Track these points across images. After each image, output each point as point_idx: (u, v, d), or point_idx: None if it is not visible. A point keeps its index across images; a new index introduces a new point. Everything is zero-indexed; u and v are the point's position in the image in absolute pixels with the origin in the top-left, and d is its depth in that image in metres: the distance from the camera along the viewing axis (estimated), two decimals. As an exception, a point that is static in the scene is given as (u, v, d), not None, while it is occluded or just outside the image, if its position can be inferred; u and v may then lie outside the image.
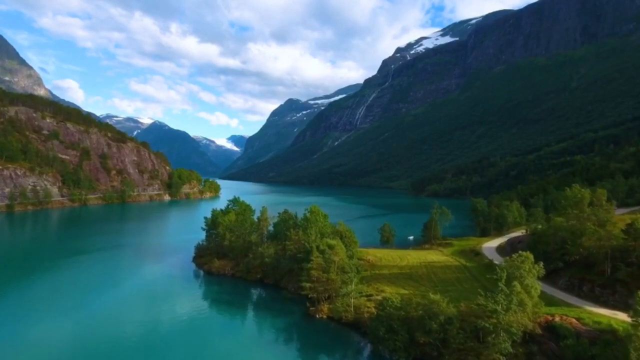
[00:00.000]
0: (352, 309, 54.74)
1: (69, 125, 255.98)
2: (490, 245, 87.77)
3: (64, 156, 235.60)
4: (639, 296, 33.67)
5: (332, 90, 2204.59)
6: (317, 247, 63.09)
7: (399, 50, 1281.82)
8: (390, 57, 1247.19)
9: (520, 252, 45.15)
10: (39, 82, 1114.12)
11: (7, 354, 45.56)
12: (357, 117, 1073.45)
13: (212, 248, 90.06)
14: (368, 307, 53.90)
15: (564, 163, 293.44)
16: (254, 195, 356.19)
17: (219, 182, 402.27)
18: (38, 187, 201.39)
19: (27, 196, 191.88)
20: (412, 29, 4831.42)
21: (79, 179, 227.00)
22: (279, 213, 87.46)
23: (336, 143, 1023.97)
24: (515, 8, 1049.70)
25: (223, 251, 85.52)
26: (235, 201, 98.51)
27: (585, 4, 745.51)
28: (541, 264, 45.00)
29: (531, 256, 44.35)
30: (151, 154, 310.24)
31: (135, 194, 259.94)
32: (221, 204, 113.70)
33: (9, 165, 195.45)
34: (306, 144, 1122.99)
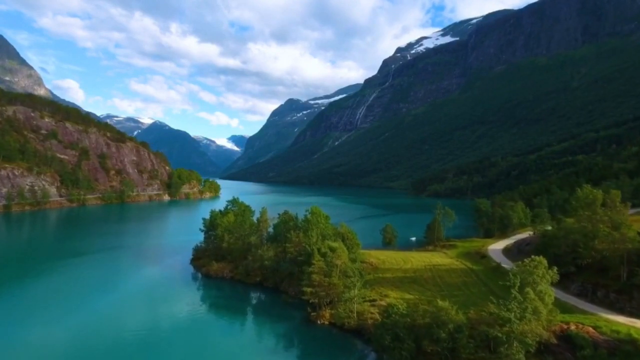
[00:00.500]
0: (355, 314, 52.50)
1: (67, 124, 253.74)
2: (496, 247, 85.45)
3: (62, 156, 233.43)
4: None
5: (332, 90, 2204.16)
6: (319, 250, 60.90)
7: (399, 50, 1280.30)
8: (390, 57, 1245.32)
9: (532, 256, 42.89)
10: (39, 82, 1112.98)
11: (2, 358, 44.32)
12: (357, 117, 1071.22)
13: (210, 250, 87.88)
14: (372, 313, 51.73)
15: (565, 163, 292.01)
16: (254, 196, 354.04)
17: (219, 182, 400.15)
18: (36, 187, 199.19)
19: (25, 196, 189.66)
20: (412, 28, 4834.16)
21: (78, 179, 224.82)
22: (278, 214, 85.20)
23: (336, 143, 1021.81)
24: (516, 8, 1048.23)
25: (221, 253, 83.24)
26: (234, 202, 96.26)
27: (586, 3, 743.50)
28: (555, 269, 42.81)
29: (544, 261, 42.16)
30: (151, 153, 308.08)
31: (134, 194, 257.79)
32: (221, 204, 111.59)
33: (7, 165, 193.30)
34: (306, 144, 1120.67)
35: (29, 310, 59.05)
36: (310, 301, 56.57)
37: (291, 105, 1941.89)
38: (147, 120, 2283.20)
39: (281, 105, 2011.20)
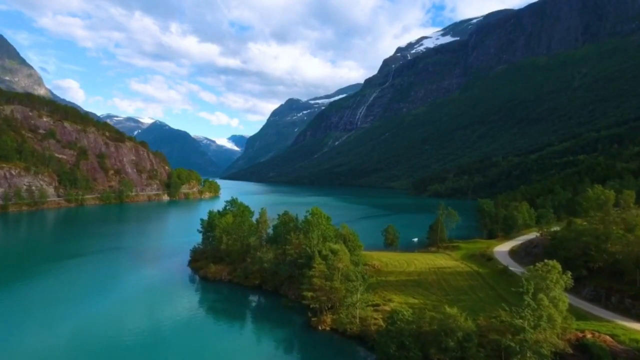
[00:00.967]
0: (357, 320, 50.35)
1: (66, 124, 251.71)
2: (502, 249, 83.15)
3: (60, 156, 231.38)
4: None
5: (332, 90, 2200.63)
6: (319, 253, 58.79)
7: (399, 49, 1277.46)
8: (390, 57, 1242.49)
9: (545, 260, 40.71)
10: (39, 81, 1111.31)
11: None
12: (357, 116, 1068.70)
13: (208, 252, 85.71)
14: (375, 319, 49.59)
15: (567, 163, 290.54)
16: (254, 196, 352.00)
17: (219, 182, 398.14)
18: (33, 187, 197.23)
19: (22, 196, 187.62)
20: (412, 28, 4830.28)
21: (76, 179, 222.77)
22: (278, 215, 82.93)
23: (337, 143, 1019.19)
24: (516, 7, 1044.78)
25: (219, 255, 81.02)
26: (233, 202, 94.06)
27: (587, 3, 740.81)
28: (569, 273, 40.67)
29: (558, 265, 40.00)
30: (150, 153, 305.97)
31: (133, 194, 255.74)
32: (220, 204, 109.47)
33: (4, 165, 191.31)
34: (307, 144, 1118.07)
35: (23, 313, 57.48)
36: (311, 306, 54.41)
37: (291, 105, 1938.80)
38: (147, 120, 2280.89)
39: (281, 105, 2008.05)
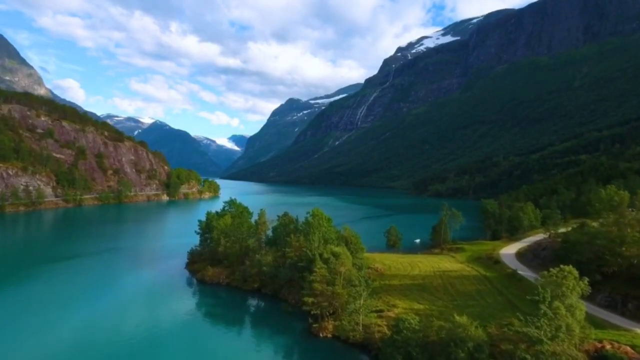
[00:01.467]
0: (360, 327, 48.08)
1: (64, 123, 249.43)
2: (508, 251, 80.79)
3: (58, 155, 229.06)
4: None
5: (332, 90, 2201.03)
6: (320, 256, 56.58)
7: (400, 49, 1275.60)
8: (391, 57, 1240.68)
9: (561, 266, 38.45)
10: (39, 81, 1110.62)
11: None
12: (358, 116, 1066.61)
13: (206, 254, 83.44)
14: (379, 326, 47.35)
15: (569, 163, 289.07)
16: (254, 196, 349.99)
17: (219, 182, 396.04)
18: (30, 187, 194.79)
19: (19, 196, 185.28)
20: (413, 28, 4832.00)
21: (74, 179, 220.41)
22: (278, 216, 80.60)
23: (337, 143, 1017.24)
24: (517, 7, 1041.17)
25: (217, 257, 78.77)
26: (231, 203, 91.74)
27: (588, 2, 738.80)
28: (586, 280, 38.40)
29: (574, 271, 37.79)
30: (149, 153, 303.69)
31: (132, 194, 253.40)
32: (220, 204, 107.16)
33: (0, 165, 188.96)
34: (307, 144, 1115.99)
35: (15, 316, 55.70)
36: (312, 312, 52.15)
37: (292, 105, 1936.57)
38: (147, 120, 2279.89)
39: (281, 105, 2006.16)
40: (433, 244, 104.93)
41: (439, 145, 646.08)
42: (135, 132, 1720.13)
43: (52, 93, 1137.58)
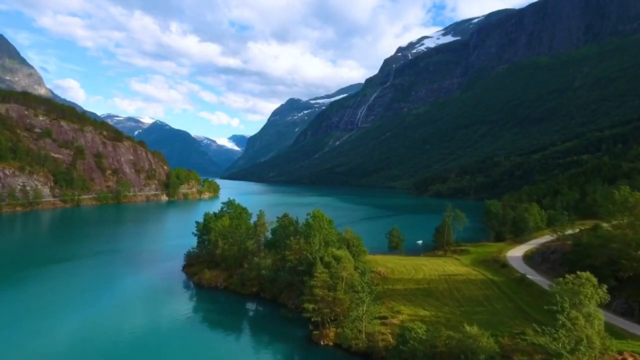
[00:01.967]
0: (363, 335, 45.78)
1: (62, 123, 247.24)
2: (515, 254, 78.41)
3: (56, 155, 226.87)
4: None
5: (333, 90, 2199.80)
6: (321, 259, 54.30)
7: (400, 49, 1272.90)
8: (391, 56, 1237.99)
9: (578, 272, 36.17)
10: (39, 81, 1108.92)
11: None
12: (358, 116, 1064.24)
13: (203, 256, 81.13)
14: (383, 334, 45.09)
15: (570, 163, 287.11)
16: (254, 196, 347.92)
17: (220, 182, 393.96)
18: (28, 187, 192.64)
19: (16, 197, 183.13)
20: (413, 27, 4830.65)
21: (72, 179, 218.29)
22: (277, 217, 78.19)
23: (337, 143, 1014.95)
24: (517, 7, 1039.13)
25: (215, 260, 76.48)
26: (229, 204, 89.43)
27: (589, 2, 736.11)
28: (604, 287, 36.10)
29: (593, 278, 35.54)
30: (148, 153, 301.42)
31: (131, 194, 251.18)
32: (219, 204, 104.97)
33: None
34: (307, 144, 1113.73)
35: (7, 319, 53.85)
36: (313, 319, 49.86)
37: (292, 105, 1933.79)
38: (147, 120, 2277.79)
39: (282, 105, 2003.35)
40: (436, 246, 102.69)
41: (439, 145, 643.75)
42: (136, 132, 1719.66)
43: (53, 93, 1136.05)
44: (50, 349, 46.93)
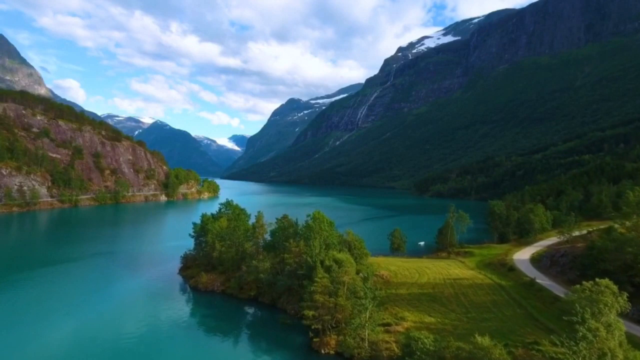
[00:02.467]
0: (366, 344, 43.55)
1: (60, 123, 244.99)
2: (521, 256, 75.95)
3: (54, 155, 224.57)
4: None
5: (333, 90, 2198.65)
6: (322, 263, 52.07)
7: (400, 49, 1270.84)
8: (392, 56, 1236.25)
9: (597, 279, 33.93)
10: (39, 81, 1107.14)
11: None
12: (358, 116, 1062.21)
13: (200, 258, 78.83)
14: (387, 342, 42.85)
15: (572, 163, 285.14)
16: (254, 196, 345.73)
17: (220, 182, 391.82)
18: (25, 187, 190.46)
19: (13, 197, 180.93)
20: (413, 27, 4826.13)
21: (70, 179, 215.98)
22: (277, 219, 75.85)
23: (338, 143, 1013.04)
24: (518, 7, 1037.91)
25: (212, 263, 74.19)
26: (227, 204, 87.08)
27: (590, 2, 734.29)
28: (625, 295, 33.86)
29: (613, 285, 33.31)
30: (147, 153, 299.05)
31: (129, 194, 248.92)
32: (218, 205, 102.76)
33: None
34: (307, 144, 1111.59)
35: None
36: (313, 327, 47.59)
37: (292, 105, 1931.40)
38: (148, 120, 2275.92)
39: (282, 105, 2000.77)
40: (439, 247, 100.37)
41: (440, 145, 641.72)
42: (136, 132, 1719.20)
43: (53, 93, 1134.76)
44: (44, 352, 45.46)
